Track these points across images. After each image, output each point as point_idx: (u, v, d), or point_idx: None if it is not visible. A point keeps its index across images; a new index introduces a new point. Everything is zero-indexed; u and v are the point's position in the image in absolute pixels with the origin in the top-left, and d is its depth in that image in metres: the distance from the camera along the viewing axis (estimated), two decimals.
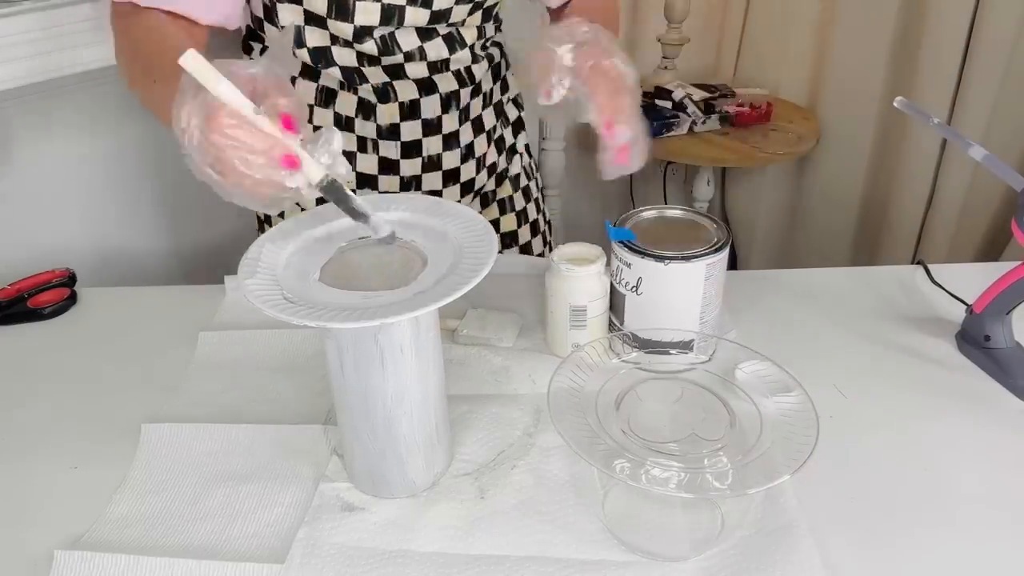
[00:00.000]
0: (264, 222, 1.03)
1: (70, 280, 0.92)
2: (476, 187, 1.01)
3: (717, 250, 0.72)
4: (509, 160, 1.06)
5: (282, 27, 0.85)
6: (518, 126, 1.08)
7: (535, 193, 1.10)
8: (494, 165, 1.02)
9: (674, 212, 0.78)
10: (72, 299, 0.91)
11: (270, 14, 0.84)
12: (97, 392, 0.77)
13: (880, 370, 0.78)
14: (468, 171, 0.98)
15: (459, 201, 0.98)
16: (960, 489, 0.64)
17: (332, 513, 0.62)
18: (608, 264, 0.76)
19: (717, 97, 1.93)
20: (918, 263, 0.94)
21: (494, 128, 1.01)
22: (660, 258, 0.71)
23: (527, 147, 1.12)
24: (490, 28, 0.96)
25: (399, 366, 0.58)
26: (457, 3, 0.85)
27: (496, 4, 0.92)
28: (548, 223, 1.13)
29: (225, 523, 0.62)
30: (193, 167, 0.54)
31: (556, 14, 0.98)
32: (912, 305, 0.88)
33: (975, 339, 0.78)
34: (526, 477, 0.65)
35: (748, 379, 0.62)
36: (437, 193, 0.97)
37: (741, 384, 0.62)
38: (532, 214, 1.09)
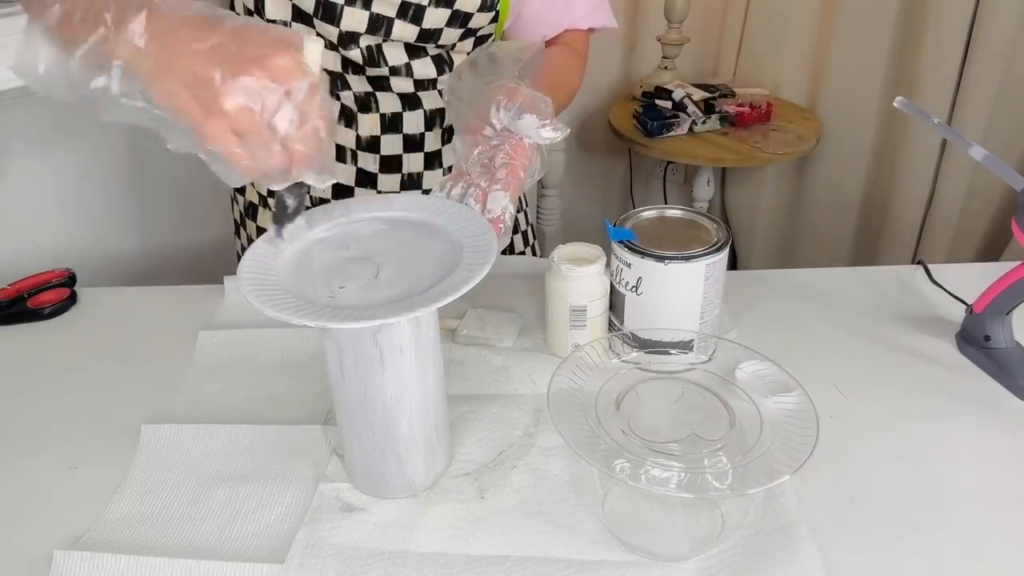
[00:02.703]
0: (241, 225, 1.03)
1: (70, 280, 0.92)
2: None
3: (717, 250, 0.72)
4: None
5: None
6: None
7: (523, 226, 1.08)
8: None
9: (674, 212, 0.78)
10: (72, 299, 0.91)
11: (259, 7, 0.83)
12: (97, 392, 0.77)
13: (880, 370, 0.78)
14: None
15: None
16: (960, 489, 0.64)
17: (332, 513, 0.62)
18: (608, 264, 0.76)
19: (717, 97, 1.93)
20: (918, 263, 0.94)
21: None
22: (660, 258, 0.71)
23: None
24: None
25: (398, 366, 0.58)
26: (448, 25, 0.84)
27: (491, 36, 0.91)
28: (534, 249, 1.11)
29: (225, 523, 0.62)
30: (213, 133, 0.49)
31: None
32: (912, 305, 0.88)
33: (975, 339, 0.78)
34: (526, 477, 0.65)
35: (748, 379, 0.62)
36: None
37: (741, 384, 0.62)
38: (518, 246, 1.07)
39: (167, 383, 0.78)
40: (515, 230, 1.07)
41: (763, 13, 2.02)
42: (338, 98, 0.89)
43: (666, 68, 2.01)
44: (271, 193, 0.94)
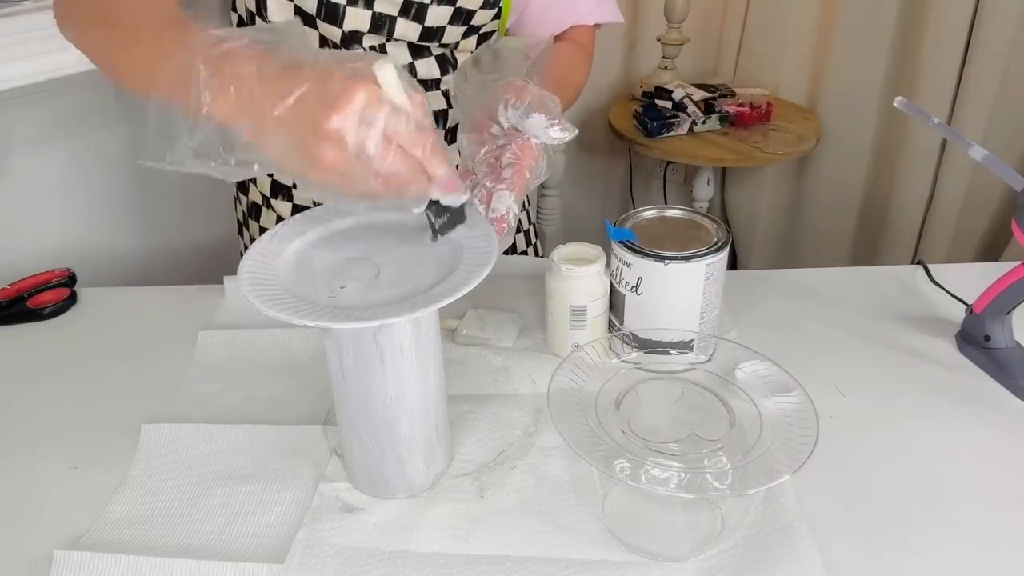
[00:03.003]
0: (243, 225, 1.03)
1: (70, 280, 0.92)
2: None
3: (717, 250, 0.72)
4: None
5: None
6: None
7: (525, 225, 1.08)
8: None
9: (674, 212, 0.78)
10: (72, 299, 0.91)
11: (261, 9, 0.83)
12: (97, 392, 0.77)
13: (880, 370, 0.78)
14: None
15: None
16: (960, 489, 0.64)
17: (332, 513, 0.62)
18: (608, 264, 0.76)
19: (717, 97, 1.93)
20: (918, 263, 0.94)
21: None
22: (660, 258, 0.71)
23: None
24: None
25: (399, 366, 0.58)
26: (451, 23, 0.84)
27: (494, 33, 0.91)
28: (535, 248, 1.11)
29: (225, 523, 0.62)
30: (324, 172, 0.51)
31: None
32: (912, 305, 0.88)
33: (975, 339, 0.78)
34: (526, 477, 0.65)
35: (748, 379, 0.62)
36: None
37: (741, 384, 0.62)
38: (520, 246, 1.07)
39: (167, 383, 0.78)
40: (517, 229, 1.07)
41: (763, 13, 2.02)
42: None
43: (666, 68, 2.01)
44: (274, 194, 0.94)
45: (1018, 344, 0.77)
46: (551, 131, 0.65)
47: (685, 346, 0.70)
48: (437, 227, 0.59)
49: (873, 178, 2.06)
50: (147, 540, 0.61)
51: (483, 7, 0.84)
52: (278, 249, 0.60)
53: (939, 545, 0.60)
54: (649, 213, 0.78)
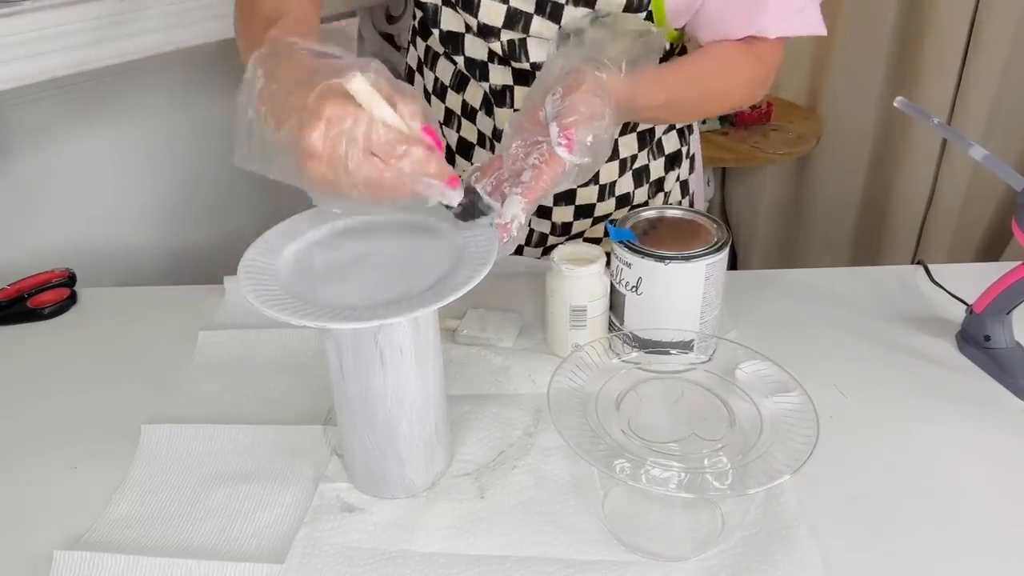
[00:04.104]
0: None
1: (70, 280, 0.92)
2: (597, 214, 0.95)
3: (717, 250, 0.72)
4: (652, 194, 0.97)
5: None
6: (675, 160, 0.98)
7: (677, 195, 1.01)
8: (627, 196, 0.95)
9: (674, 212, 0.78)
10: (72, 299, 0.91)
11: None
12: (97, 392, 0.77)
13: (880, 370, 0.78)
14: (587, 195, 0.92)
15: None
16: (960, 489, 0.64)
17: (332, 513, 0.62)
18: (608, 264, 0.76)
19: None
20: (918, 263, 0.94)
21: (634, 157, 0.92)
22: (660, 258, 0.71)
23: (684, 183, 1.02)
24: None
25: (399, 366, 0.58)
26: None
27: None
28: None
29: (225, 523, 0.62)
30: (327, 184, 0.52)
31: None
32: (912, 305, 0.88)
33: (975, 339, 0.78)
34: (526, 477, 0.65)
35: (748, 379, 0.62)
36: (549, 211, 0.92)
37: (741, 384, 0.62)
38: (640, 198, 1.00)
39: (167, 383, 0.78)
40: (640, 181, 0.98)
41: None
42: (483, 86, 0.87)
43: None
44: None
45: (1018, 344, 0.77)
46: (558, 148, 0.60)
47: (685, 346, 0.70)
48: (455, 215, 0.58)
49: (873, 178, 2.06)
50: (147, 540, 0.61)
51: (626, 10, 0.77)
52: (278, 249, 0.60)
53: (939, 545, 0.60)
54: (649, 213, 0.78)
